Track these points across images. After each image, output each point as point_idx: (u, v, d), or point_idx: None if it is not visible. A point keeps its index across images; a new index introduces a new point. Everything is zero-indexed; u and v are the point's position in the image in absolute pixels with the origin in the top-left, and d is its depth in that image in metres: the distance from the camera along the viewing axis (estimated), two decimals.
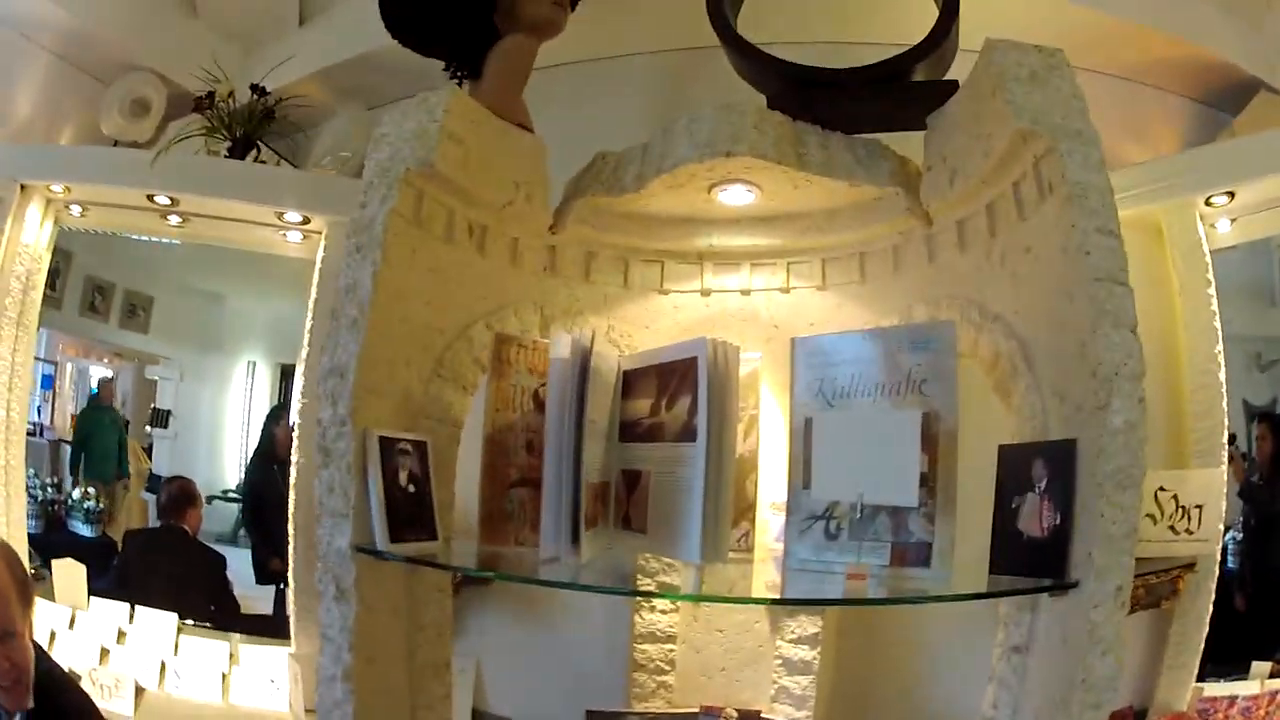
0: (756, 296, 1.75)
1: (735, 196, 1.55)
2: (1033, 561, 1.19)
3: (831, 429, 1.40)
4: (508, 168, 1.54)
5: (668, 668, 1.69)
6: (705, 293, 1.77)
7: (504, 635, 2.01)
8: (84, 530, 2.41)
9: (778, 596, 1.56)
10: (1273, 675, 1.89)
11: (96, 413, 2.55)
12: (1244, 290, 2.07)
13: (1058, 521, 1.16)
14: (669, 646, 1.70)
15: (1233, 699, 1.91)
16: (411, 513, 1.34)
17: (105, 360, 2.60)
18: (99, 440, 2.53)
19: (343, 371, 1.31)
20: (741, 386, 1.45)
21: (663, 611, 1.72)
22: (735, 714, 1.56)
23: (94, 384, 2.59)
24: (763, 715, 1.58)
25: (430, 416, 1.49)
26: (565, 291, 1.72)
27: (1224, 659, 1.97)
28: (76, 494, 2.43)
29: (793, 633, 1.63)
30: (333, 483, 1.31)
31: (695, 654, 1.71)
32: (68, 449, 2.49)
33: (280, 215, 2.10)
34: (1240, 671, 1.90)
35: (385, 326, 1.36)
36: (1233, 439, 1.97)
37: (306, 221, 2.12)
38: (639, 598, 1.69)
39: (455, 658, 1.56)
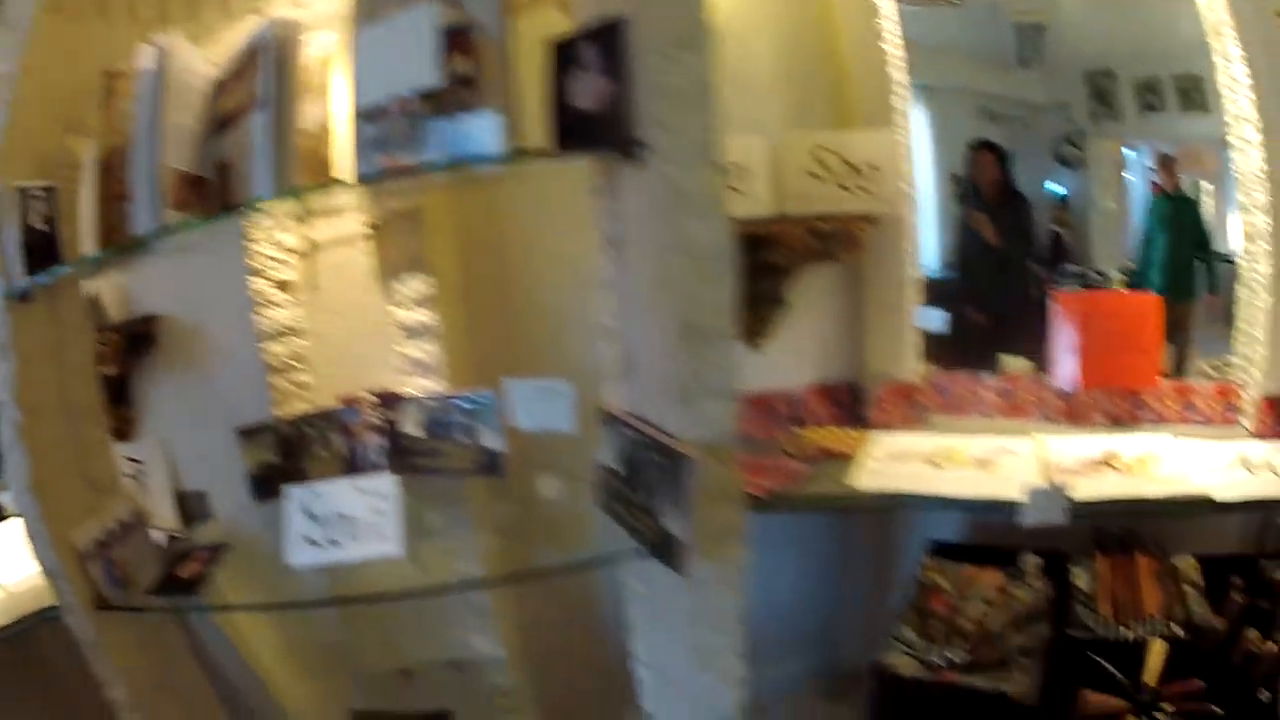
0: None
1: None
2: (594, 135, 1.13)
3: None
4: None
5: (300, 365, 1.61)
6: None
7: None
8: None
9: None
10: None
11: None
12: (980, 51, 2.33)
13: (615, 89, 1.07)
14: (294, 342, 1.61)
15: (981, 379, 2.05)
16: (45, 250, 1.39)
17: None
18: None
19: None
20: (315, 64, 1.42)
21: (279, 306, 1.61)
22: (374, 398, 1.50)
23: None
24: (397, 392, 1.51)
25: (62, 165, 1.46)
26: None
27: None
28: None
29: (406, 297, 1.55)
30: None
31: (324, 344, 1.62)
32: None
33: None
34: None
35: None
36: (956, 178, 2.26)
37: None
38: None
39: None
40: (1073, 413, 2.12)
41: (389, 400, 1.49)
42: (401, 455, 1.46)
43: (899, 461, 1.81)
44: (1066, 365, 2.08)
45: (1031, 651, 1.63)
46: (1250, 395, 2.14)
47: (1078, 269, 2.48)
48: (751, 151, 1.64)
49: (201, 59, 1.49)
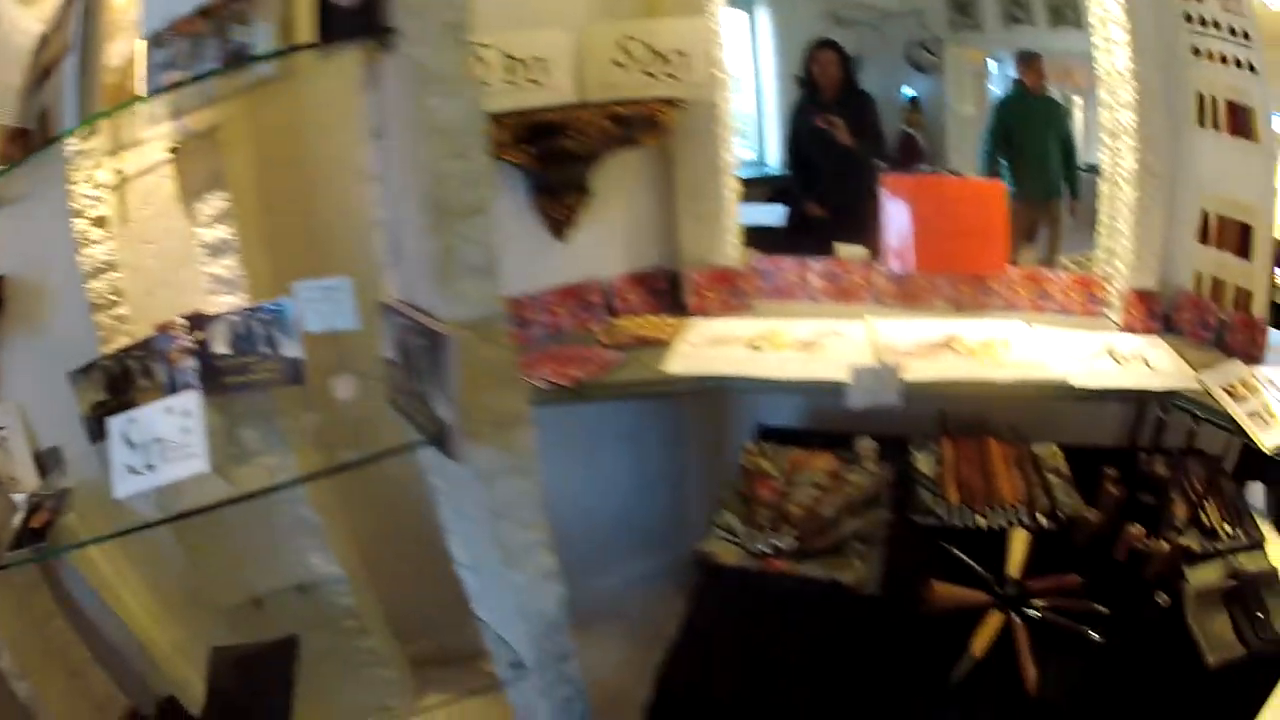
0: None
1: None
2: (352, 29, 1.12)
3: None
4: None
5: (118, 299, 1.59)
6: None
7: None
8: None
9: None
10: None
11: None
12: None
13: None
14: (112, 276, 1.59)
15: (809, 264, 2.04)
16: None
17: None
18: None
19: None
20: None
21: (97, 243, 1.56)
22: (185, 322, 1.49)
23: None
24: (205, 314, 1.50)
25: None
26: None
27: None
28: None
29: (207, 216, 1.54)
30: None
31: (138, 275, 1.59)
32: None
33: None
34: None
35: None
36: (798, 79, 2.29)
37: None
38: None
39: None
40: (908, 296, 2.10)
41: (198, 321, 1.47)
42: (212, 375, 1.45)
43: (717, 346, 1.76)
44: (897, 248, 2.07)
45: (871, 538, 1.57)
46: (1116, 288, 2.17)
47: (929, 168, 2.50)
48: (555, 44, 1.61)
49: (29, 17, 1.47)
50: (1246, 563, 1.62)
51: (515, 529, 1.29)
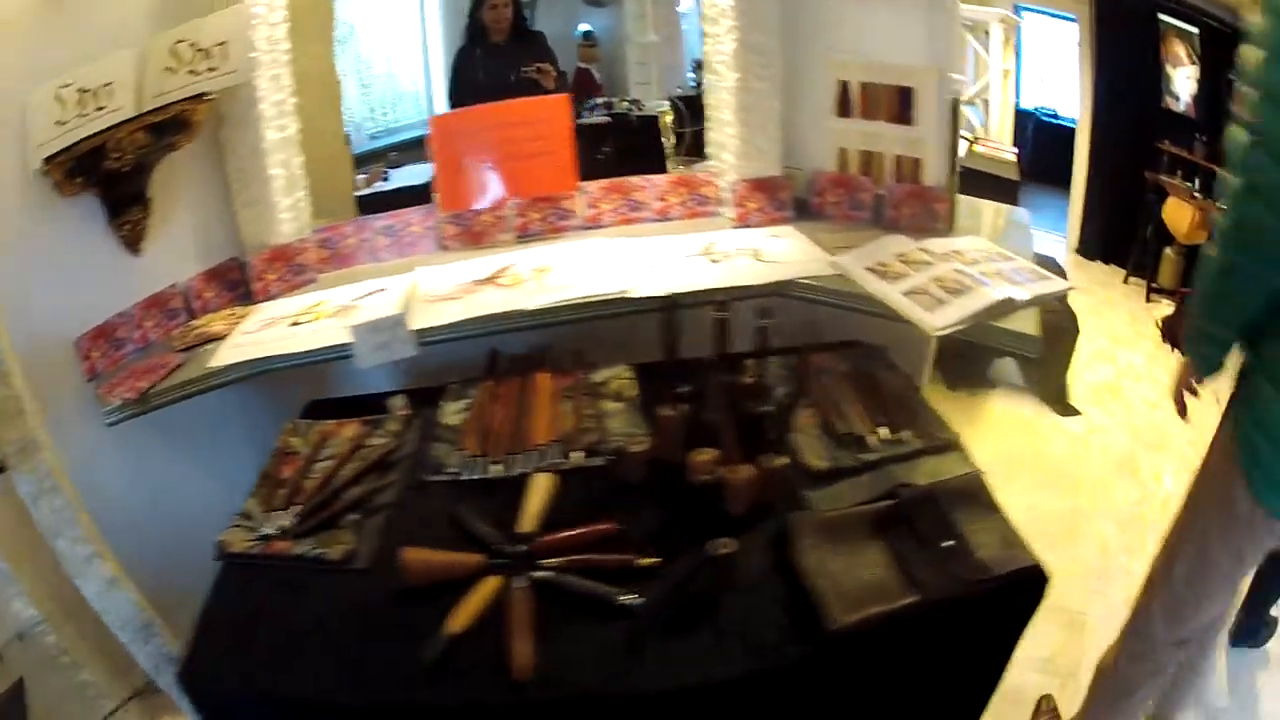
0: None
1: None
2: None
3: None
4: None
5: None
6: None
7: None
8: None
9: None
10: None
11: None
12: None
13: None
14: None
15: (369, 223, 1.94)
16: None
17: None
18: None
19: None
20: None
21: None
22: None
23: None
24: None
25: None
26: None
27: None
28: None
29: None
30: None
31: None
32: None
33: None
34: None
35: None
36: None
37: None
38: None
39: None
40: (473, 236, 1.97)
41: None
42: None
43: (266, 329, 1.65)
44: (451, 189, 1.94)
45: (375, 506, 1.33)
46: (727, 181, 2.01)
47: (603, 100, 2.52)
48: (119, 66, 1.45)
49: None
50: (915, 474, 1.30)
51: (71, 545, 1.29)
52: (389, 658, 1.06)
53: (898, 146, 1.90)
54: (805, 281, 1.72)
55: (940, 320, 1.57)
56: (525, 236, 2.00)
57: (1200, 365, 1.37)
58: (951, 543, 1.18)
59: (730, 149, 2.00)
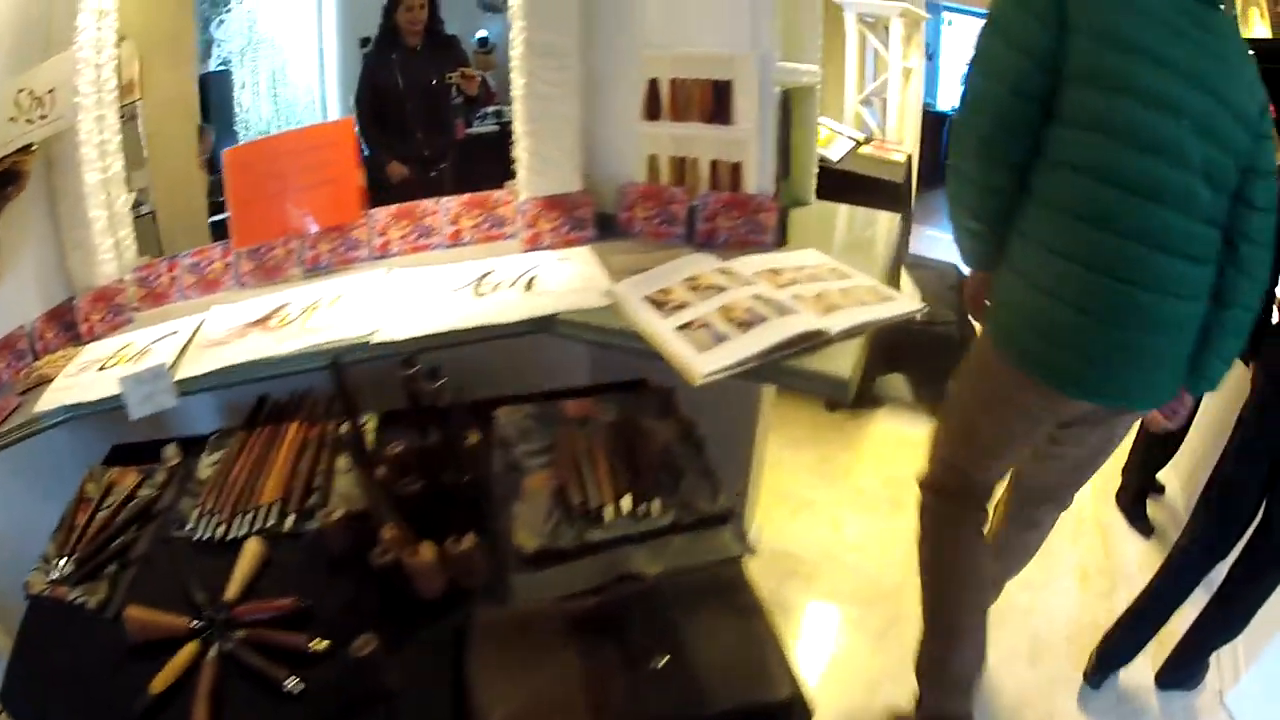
0: None
1: None
2: None
3: None
4: None
5: None
6: None
7: None
8: None
9: None
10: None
11: None
12: None
13: None
14: None
15: (176, 259, 1.87)
16: None
17: None
18: None
19: None
20: None
21: None
22: None
23: None
24: None
25: None
26: None
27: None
28: None
29: None
30: None
31: None
32: None
33: None
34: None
35: None
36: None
37: None
38: None
39: None
40: (267, 272, 1.84)
41: None
42: None
43: (83, 372, 1.60)
44: (242, 224, 1.85)
45: (129, 559, 1.34)
46: (517, 203, 1.83)
47: (494, 109, 2.34)
48: None
49: None
50: (655, 559, 1.07)
51: None
52: (108, 712, 1.11)
53: (713, 150, 1.65)
54: (569, 317, 1.47)
55: (707, 366, 1.22)
56: (315, 270, 1.85)
57: (969, 259, 1.65)
58: (665, 659, 0.92)
59: (524, 163, 1.78)
